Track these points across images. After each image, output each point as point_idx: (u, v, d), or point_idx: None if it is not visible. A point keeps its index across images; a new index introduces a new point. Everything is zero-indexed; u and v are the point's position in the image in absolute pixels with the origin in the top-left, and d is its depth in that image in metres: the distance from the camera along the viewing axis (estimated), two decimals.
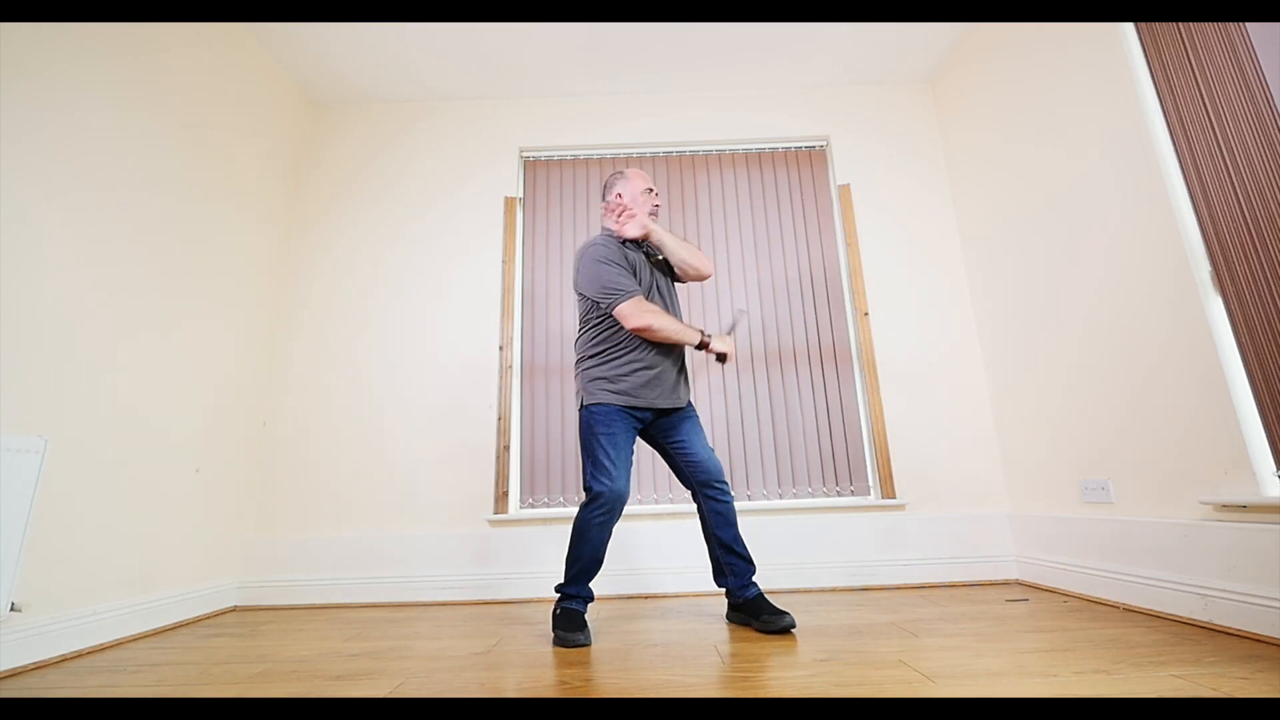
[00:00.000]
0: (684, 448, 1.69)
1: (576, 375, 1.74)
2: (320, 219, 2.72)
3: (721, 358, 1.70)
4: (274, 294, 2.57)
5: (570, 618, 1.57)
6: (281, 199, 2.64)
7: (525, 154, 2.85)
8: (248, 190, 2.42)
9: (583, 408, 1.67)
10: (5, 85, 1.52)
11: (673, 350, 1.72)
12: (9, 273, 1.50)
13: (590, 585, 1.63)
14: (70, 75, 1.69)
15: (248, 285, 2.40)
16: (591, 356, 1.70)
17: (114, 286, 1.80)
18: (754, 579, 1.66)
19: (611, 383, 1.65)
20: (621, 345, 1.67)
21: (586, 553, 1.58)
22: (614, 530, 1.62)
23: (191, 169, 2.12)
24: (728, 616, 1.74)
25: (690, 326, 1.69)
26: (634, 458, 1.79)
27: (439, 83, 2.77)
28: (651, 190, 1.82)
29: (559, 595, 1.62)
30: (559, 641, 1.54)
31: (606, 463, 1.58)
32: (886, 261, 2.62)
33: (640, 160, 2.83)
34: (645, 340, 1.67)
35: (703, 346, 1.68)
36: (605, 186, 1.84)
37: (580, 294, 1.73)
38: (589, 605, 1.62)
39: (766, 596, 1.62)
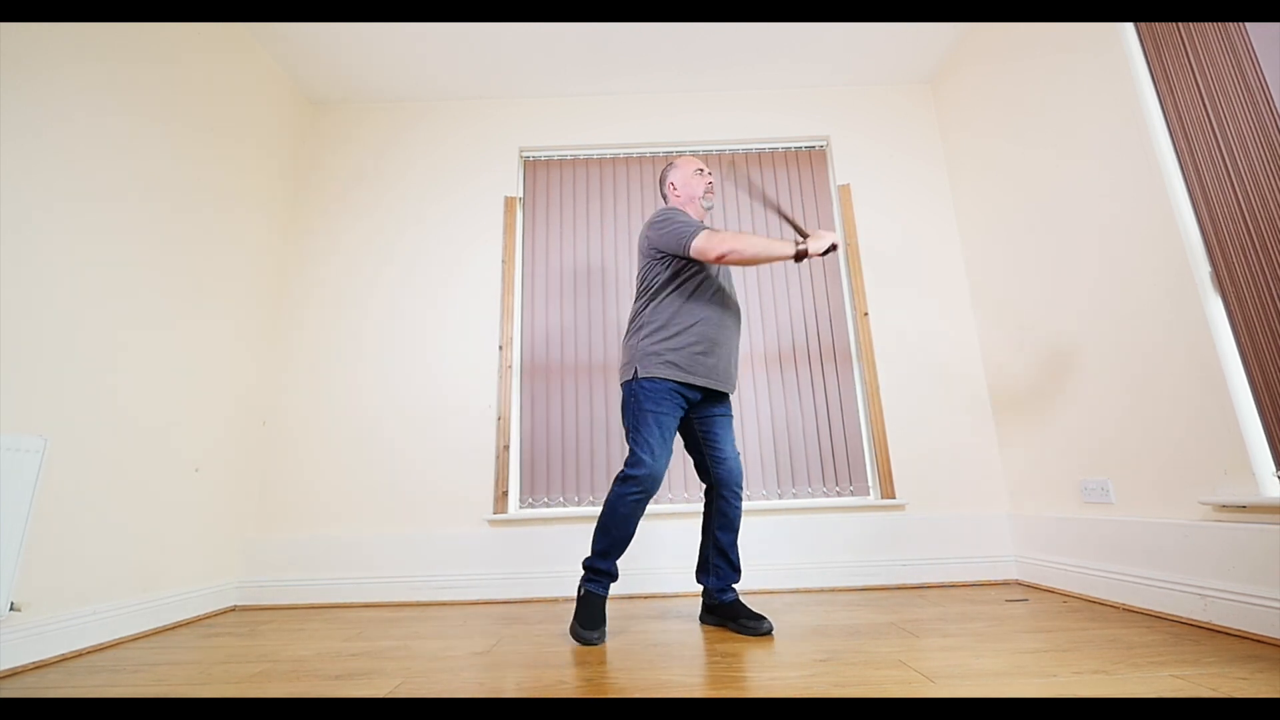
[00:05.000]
0: (716, 444, 1.68)
1: (628, 345, 1.63)
2: (320, 218, 2.72)
3: (833, 248, 1.55)
4: (274, 293, 2.57)
5: (590, 606, 1.52)
6: (282, 199, 2.64)
7: (525, 154, 2.84)
8: (248, 190, 2.42)
9: (634, 380, 1.57)
10: (6, 86, 1.52)
11: (734, 329, 1.68)
12: (10, 273, 1.50)
13: (616, 563, 1.57)
14: (71, 76, 1.69)
15: (248, 284, 2.40)
16: (652, 325, 1.59)
17: (114, 286, 1.80)
18: (734, 586, 1.66)
19: (670, 355, 1.55)
20: (684, 315, 1.58)
21: (616, 531, 1.52)
22: None
23: (192, 169, 2.12)
24: (700, 617, 1.74)
25: (776, 239, 1.55)
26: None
27: (439, 83, 2.77)
28: (702, 170, 1.80)
29: (584, 570, 1.57)
30: (574, 635, 1.51)
31: (653, 441, 1.51)
32: (886, 262, 2.62)
33: (640, 160, 2.83)
34: (710, 315, 1.60)
35: (800, 257, 1.52)
36: (660, 183, 1.86)
37: (649, 255, 1.66)
38: (610, 588, 1.58)
39: (743, 601, 1.63)
